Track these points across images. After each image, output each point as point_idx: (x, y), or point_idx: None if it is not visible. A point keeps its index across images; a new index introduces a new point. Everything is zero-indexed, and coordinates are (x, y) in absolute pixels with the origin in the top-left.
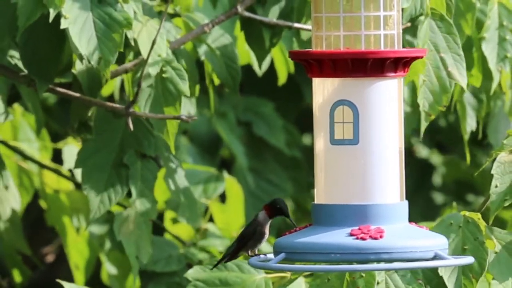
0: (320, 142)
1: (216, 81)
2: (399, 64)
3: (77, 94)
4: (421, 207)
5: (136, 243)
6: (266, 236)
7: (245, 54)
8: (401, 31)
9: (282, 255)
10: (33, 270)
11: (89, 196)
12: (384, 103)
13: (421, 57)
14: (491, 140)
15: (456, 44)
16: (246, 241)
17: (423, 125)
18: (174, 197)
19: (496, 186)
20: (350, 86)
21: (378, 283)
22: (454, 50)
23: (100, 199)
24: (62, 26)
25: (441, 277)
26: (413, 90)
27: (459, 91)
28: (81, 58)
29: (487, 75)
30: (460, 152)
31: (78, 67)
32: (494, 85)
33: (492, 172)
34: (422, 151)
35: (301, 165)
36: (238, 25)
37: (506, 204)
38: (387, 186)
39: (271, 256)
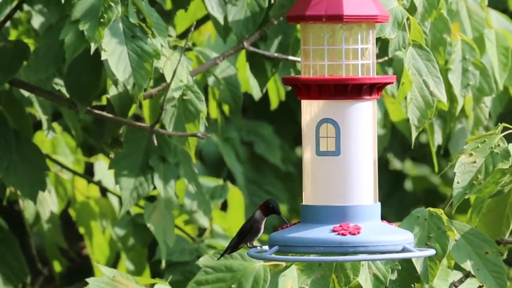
0: (308, 154)
1: (223, 107)
2: (374, 88)
3: (110, 115)
4: (395, 209)
5: (163, 230)
6: (262, 231)
7: (243, 83)
8: (375, 61)
9: (275, 248)
10: (71, 261)
11: (121, 192)
12: (361, 121)
13: (392, 83)
14: (453, 154)
15: (435, 69)
16: (244, 236)
17: (413, 135)
18: (193, 194)
19: (458, 182)
20: (333, 107)
21: (362, 265)
22: (434, 73)
23: (130, 194)
24: (103, 58)
25: (411, 260)
26: (385, 115)
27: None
28: (116, 83)
29: (451, 100)
30: (429, 164)
31: (111, 92)
32: (459, 108)
33: (455, 170)
34: (396, 164)
35: (294, 177)
36: (239, 58)
37: (466, 197)
38: (364, 190)
39: (266, 248)
